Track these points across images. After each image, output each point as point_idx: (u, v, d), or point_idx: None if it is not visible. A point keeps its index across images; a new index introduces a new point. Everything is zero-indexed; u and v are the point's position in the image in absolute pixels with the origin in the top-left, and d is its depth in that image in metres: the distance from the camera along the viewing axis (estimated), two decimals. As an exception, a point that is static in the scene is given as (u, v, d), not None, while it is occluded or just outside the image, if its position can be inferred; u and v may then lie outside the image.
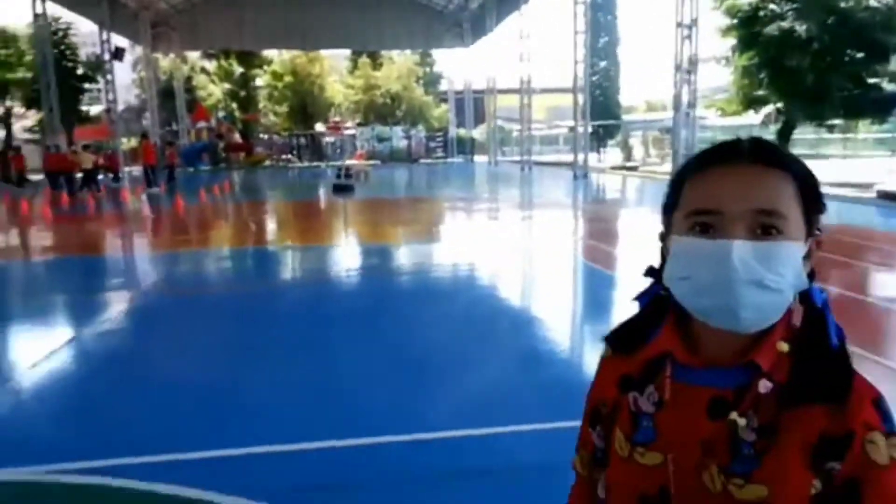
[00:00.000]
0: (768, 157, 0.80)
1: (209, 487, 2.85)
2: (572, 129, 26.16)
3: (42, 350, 5.25)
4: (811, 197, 0.81)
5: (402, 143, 40.97)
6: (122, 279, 8.56)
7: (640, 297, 0.93)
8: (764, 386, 0.78)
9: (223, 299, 7.12)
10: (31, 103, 26.19)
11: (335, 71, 46.17)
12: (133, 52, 38.16)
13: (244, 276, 8.70)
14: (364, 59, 44.59)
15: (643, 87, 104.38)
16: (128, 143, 36.47)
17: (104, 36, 27.46)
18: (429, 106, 47.02)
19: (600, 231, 12.01)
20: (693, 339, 0.84)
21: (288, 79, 41.85)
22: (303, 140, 39.97)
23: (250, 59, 40.84)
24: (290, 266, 9.33)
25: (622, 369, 0.92)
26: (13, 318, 6.57)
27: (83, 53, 30.16)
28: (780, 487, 0.76)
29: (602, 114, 35.24)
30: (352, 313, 6.20)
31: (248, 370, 4.57)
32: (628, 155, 32.26)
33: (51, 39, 25.39)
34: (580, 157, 23.73)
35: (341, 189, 19.04)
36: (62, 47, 27.08)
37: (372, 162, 38.09)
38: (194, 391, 4.15)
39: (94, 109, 31.34)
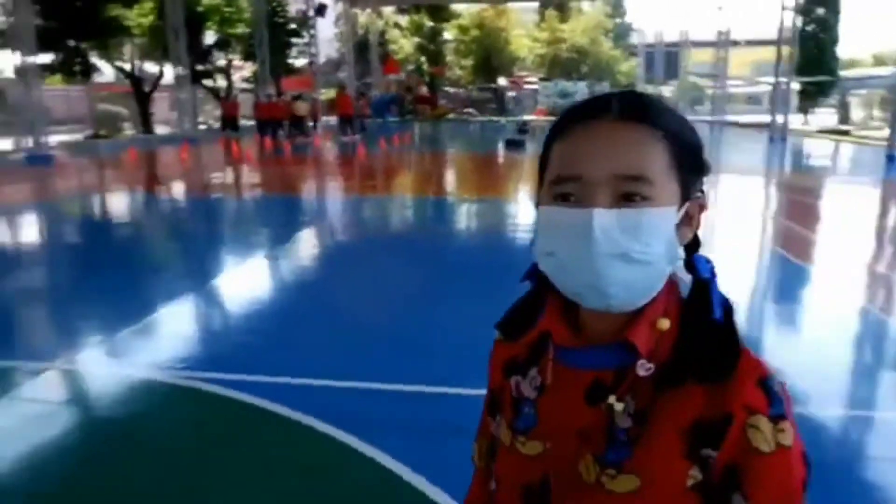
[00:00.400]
0: (635, 112, 0.70)
1: (350, 417, 3.11)
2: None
3: (237, 274, 6.13)
4: (687, 157, 0.71)
5: (586, 100, 39.73)
6: (315, 218, 9.59)
7: (527, 277, 0.84)
8: (643, 367, 0.71)
9: (398, 242, 7.66)
10: (247, 56, 29.30)
11: (521, 24, 45.68)
12: (335, 7, 40.76)
13: (417, 223, 9.27)
14: (552, 12, 43.56)
15: (870, 37, 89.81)
16: (326, 93, 39.53)
17: (310, -8, 29.73)
18: (616, 60, 44.94)
19: (782, 206, 10.95)
20: (576, 318, 0.77)
21: (475, 32, 42.24)
22: (485, 94, 40.40)
23: (440, 13, 41.76)
24: (456, 216, 9.75)
25: (509, 353, 0.86)
26: (218, 245, 7.70)
27: (292, 10, 32.90)
28: (651, 478, 0.69)
29: (815, 69, 31.25)
30: (512, 266, 6.39)
31: (409, 310, 4.88)
32: (844, 116, 28.47)
33: (265, -2, 28.01)
34: (779, 118, 21.46)
35: (513, 144, 19.20)
36: (274, 4, 29.73)
37: (552, 118, 37.54)
38: (357, 323, 4.54)
39: (300, 62, 34.21)
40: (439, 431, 3.05)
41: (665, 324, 0.72)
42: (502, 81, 42.33)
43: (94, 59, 22.19)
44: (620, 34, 47.34)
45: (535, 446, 0.78)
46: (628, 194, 0.68)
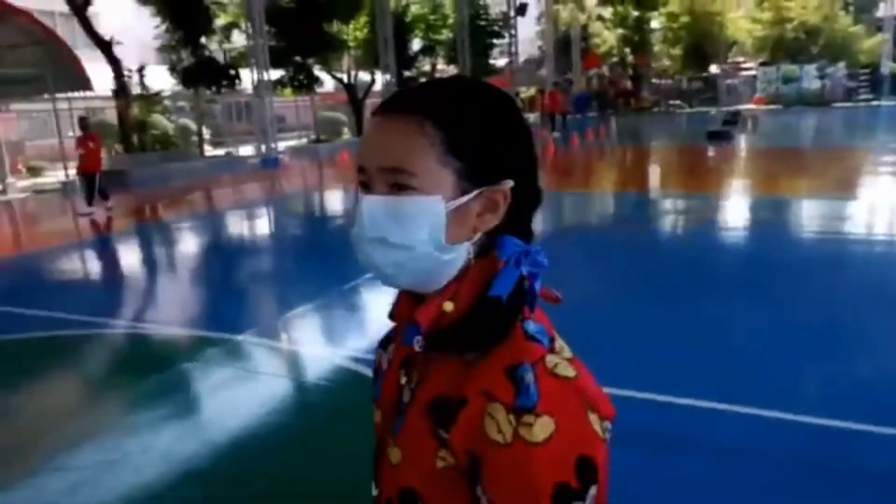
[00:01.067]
0: (407, 104, 0.72)
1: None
2: None
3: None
4: (470, 146, 0.70)
5: (815, 84, 35.48)
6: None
7: None
8: (417, 343, 0.72)
9: (601, 238, 7.49)
10: (450, 60, 30.74)
11: (738, 6, 41.90)
12: (537, 5, 41.07)
13: (621, 217, 9.08)
14: (777, -12, 39.30)
15: None
16: (525, 92, 39.96)
17: (511, -6, 30.32)
18: (856, 37, 39.26)
19: None
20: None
21: (684, 19, 39.70)
22: (694, 84, 37.90)
23: (646, 2, 39.92)
24: (653, 212, 9.39)
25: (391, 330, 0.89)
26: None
27: (494, 11, 33.80)
28: (407, 452, 0.72)
29: None
30: (724, 268, 6.05)
31: (621, 311, 4.65)
32: None
33: (468, 2, 29.11)
34: None
35: (716, 136, 17.78)
36: (477, 8, 30.79)
37: (772, 106, 34.11)
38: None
39: (501, 62, 35.04)
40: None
41: (449, 306, 0.72)
42: (714, 69, 39.33)
43: (317, 72, 24.83)
44: (863, 6, 41.30)
45: (378, 415, 0.84)
46: (395, 184, 0.70)
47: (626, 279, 5.55)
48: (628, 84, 37.95)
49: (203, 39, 20.14)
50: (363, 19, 26.29)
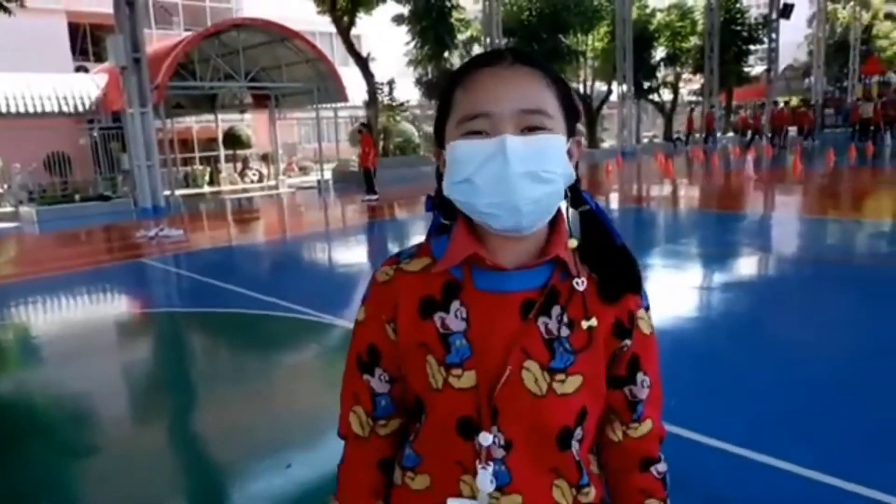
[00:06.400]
0: (526, 59, 0.82)
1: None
2: None
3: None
4: (568, 101, 0.84)
5: None
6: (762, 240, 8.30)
7: (430, 232, 0.93)
8: (579, 284, 0.83)
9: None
10: (697, 69, 28.89)
11: None
12: (810, 6, 36.82)
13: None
14: None
15: None
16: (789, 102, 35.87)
17: (772, -6, 27.49)
18: None
19: None
20: (488, 250, 0.84)
21: None
22: None
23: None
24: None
25: (419, 291, 0.86)
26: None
27: (754, 15, 30.95)
28: (589, 375, 0.83)
29: None
30: None
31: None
32: None
33: (722, 7, 27.11)
34: None
35: None
36: (733, 12, 28.52)
37: None
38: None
39: (757, 70, 31.95)
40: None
41: (574, 243, 0.85)
42: None
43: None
44: None
45: (470, 377, 0.82)
46: (531, 126, 0.79)
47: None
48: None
49: (446, 54, 21.60)
50: (604, 29, 25.99)
